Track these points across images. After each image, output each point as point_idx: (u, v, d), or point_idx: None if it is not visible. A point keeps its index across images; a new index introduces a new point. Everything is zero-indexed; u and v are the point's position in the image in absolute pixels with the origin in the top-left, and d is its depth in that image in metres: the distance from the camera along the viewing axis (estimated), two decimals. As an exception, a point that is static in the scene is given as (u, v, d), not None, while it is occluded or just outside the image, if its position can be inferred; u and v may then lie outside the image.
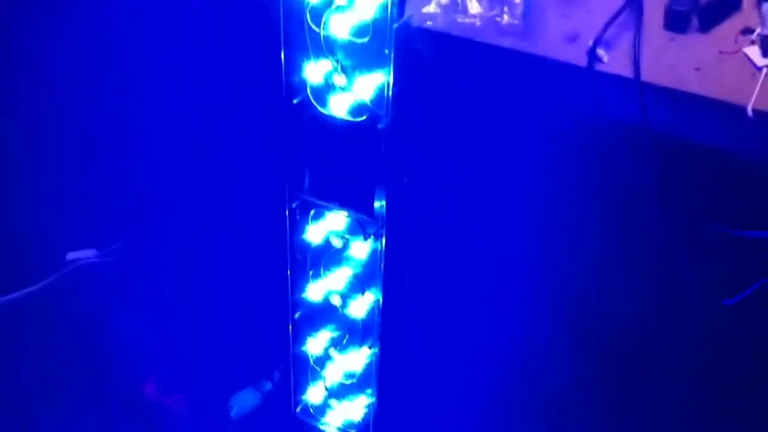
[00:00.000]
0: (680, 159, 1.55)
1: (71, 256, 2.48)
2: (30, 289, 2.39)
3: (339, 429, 2.18)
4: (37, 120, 2.42)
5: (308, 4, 1.63)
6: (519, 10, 1.60)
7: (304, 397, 2.17)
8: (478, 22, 1.60)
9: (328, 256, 1.91)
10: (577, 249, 1.86)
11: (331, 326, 2.02)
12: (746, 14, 1.45)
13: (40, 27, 2.26)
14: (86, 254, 2.49)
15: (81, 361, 2.29)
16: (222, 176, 2.25)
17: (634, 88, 1.48)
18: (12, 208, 2.48)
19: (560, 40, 1.56)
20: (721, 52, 1.45)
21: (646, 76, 1.47)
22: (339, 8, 1.60)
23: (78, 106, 2.38)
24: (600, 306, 1.90)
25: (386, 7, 1.55)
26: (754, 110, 1.40)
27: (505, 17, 1.58)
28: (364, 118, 1.70)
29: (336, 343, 2.02)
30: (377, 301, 1.91)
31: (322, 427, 2.19)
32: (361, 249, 1.86)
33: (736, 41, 1.45)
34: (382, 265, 1.85)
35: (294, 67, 1.71)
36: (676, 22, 1.50)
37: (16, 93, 2.38)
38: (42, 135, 2.44)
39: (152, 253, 2.52)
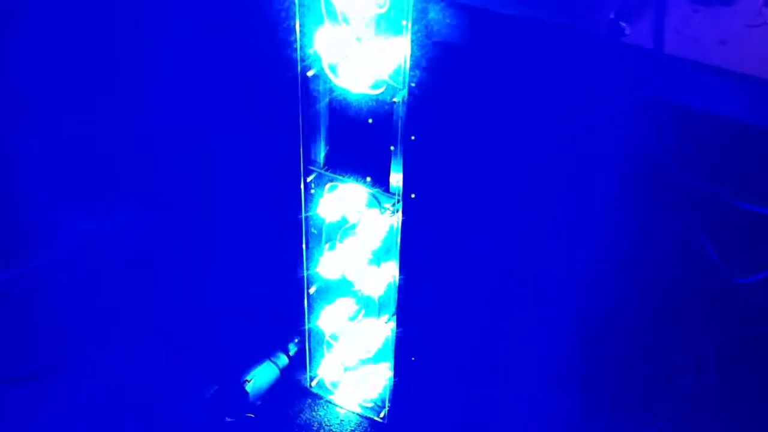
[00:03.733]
0: (703, 132, 1.52)
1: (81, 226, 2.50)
2: (40, 260, 2.41)
3: (356, 404, 2.18)
4: (47, 92, 2.41)
5: (324, -26, 1.60)
6: (539, -19, 1.57)
7: (319, 372, 2.17)
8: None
9: (344, 230, 1.90)
10: (594, 219, 1.84)
11: (347, 300, 2.01)
12: (772, -15, 1.42)
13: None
14: (97, 223, 2.50)
15: (89, 331, 2.30)
16: (238, 149, 2.24)
17: (656, 60, 1.46)
18: (22, 180, 2.49)
19: (582, 9, 1.53)
20: (745, 25, 1.42)
21: (669, 48, 1.44)
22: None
23: (89, 76, 2.38)
24: (615, 275, 1.89)
25: (403, -23, 1.52)
26: (779, 84, 1.37)
27: (525, -12, 1.55)
28: (380, 90, 1.68)
29: (352, 318, 2.01)
30: (393, 275, 1.89)
31: (338, 402, 2.19)
32: (377, 223, 1.85)
33: (761, 13, 1.42)
34: (399, 239, 1.83)
35: (310, 38, 1.69)
36: (700, -7, 1.47)
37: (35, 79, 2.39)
38: (51, 107, 2.43)
39: (166, 224, 2.52)
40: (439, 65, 1.67)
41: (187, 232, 2.50)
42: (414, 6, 1.53)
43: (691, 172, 1.52)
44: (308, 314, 2.08)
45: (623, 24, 1.47)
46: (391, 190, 1.79)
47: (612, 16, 1.47)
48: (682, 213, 1.58)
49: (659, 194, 1.65)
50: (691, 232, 1.59)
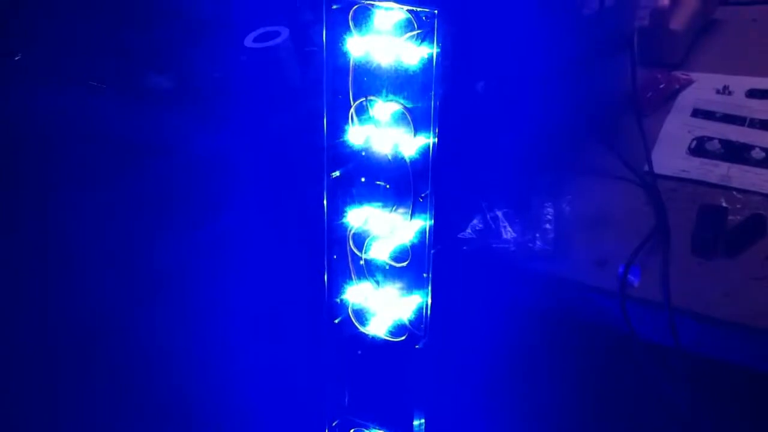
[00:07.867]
0: (714, 381, 1.56)
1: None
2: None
3: None
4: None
5: (351, 229, 1.72)
6: (551, 236, 1.68)
7: None
8: (511, 247, 1.68)
9: (367, 475, 1.90)
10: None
11: None
12: (772, 240, 1.50)
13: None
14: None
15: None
16: (262, 398, 2.27)
17: (664, 312, 1.52)
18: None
19: (591, 265, 1.62)
20: (748, 278, 1.50)
21: (676, 300, 1.51)
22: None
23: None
24: None
25: (423, 233, 1.64)
26: (784, 336, 1.42)
27: (538, 243, 1.66)
28: (403, 338, 1.75)
29: None
30: None
31: None
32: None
33: (763, 267, 1.50)
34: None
35: (336, 288, 1.78)
36: (702, 248, 1.56)
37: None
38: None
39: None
40: (458, 313, 1.75)
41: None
42: (433, 259, 1.64)
43: (706, 422, 1.55)
44: None
45: (631, 277, 1.56)
46: (413, 434, 1.81)
47: (620, 270, 1.56)
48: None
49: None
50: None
